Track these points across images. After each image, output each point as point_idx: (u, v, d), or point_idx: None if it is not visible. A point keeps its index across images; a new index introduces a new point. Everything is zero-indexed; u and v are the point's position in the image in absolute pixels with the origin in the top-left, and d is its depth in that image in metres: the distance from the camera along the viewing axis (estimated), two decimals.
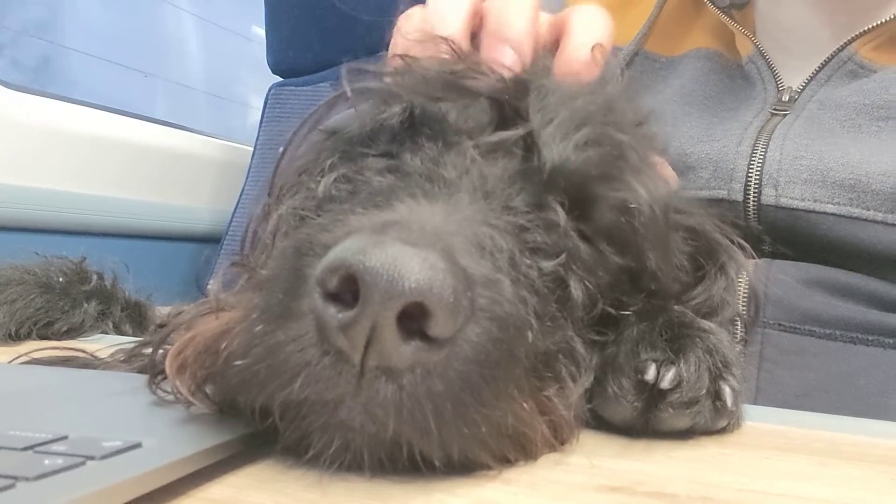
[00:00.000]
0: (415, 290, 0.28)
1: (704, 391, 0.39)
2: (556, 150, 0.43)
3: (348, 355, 0.29)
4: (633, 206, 0.44)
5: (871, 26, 0.71)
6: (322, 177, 0.46)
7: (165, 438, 0.32)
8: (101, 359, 0.51)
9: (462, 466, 0.32)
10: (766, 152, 0.69)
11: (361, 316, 0.29)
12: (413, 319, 0.29)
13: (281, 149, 0.50)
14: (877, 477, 0.36)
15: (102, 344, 0.55)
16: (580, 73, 0.49)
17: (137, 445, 0.30)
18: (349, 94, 0.47)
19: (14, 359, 0.51)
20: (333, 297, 0.29)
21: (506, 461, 0.34)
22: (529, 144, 0.43)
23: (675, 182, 0.54)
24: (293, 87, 1.57)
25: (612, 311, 0.44)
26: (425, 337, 0.29)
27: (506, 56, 0.47)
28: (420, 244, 0.30)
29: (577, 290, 0.42)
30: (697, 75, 0.79)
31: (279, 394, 0.31)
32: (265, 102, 1.60)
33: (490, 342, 0.31)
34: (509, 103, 0.44)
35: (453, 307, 0.29)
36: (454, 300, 0.29)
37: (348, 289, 0.29)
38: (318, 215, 0.41)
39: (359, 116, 0.47)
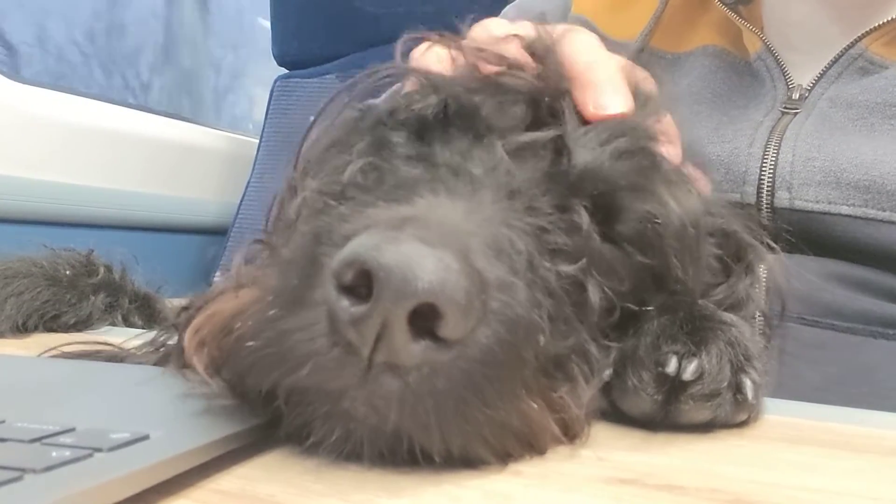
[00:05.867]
0: (427, 291, 0.28)
1: (726, 384, 0.39)
2: (589, 155, 0.43)
3: (357, 348, 0.29)
4: (659, 220, 0.43)
5: (881, 22, 0.70)
6: (350, 160, 0.45)
7: (174, 430, 0.32)
8: (128, 350, 0.51)
9: (466, 461, 0.32)
10: (778, 154, 0.68)
11: (373, 312, 0.28)
12: (425, 319, 0.29)
13: (312, 118, 0.50)
14: (886, 469, 0.36)
15: (112, 336, 0.55)
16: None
17: (145, 437, 0.30)
18: (399, 71, 0.46)
19: (43, 352, 0.51)
20: (347, 289, 0.29)
21: (510, 457, 0.34)
22: (560, 147, 0.43)
23: (708, 190, 0.53)
24: (299, 79, 1.57)
25: (634, 307, 0.43)
26: (435, 337, 0.29)
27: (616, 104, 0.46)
28: (436, 243, 0.30)
29: (594, 296, 0.41)
30: (705, 73, 0.78)
31: (286, 379, 0.31)
32: (271, 94, 1.60)
33: (499, 344, 0.31)
34: (547, 104, 0.44)
35: (465, 310, 0.29)
36: (466, 303, 0.29)
37: (363, 283, 0.29)
38: (341, 202, 0.41)
39: (394, 100, 0.47)
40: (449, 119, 0.44)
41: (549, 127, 0.43)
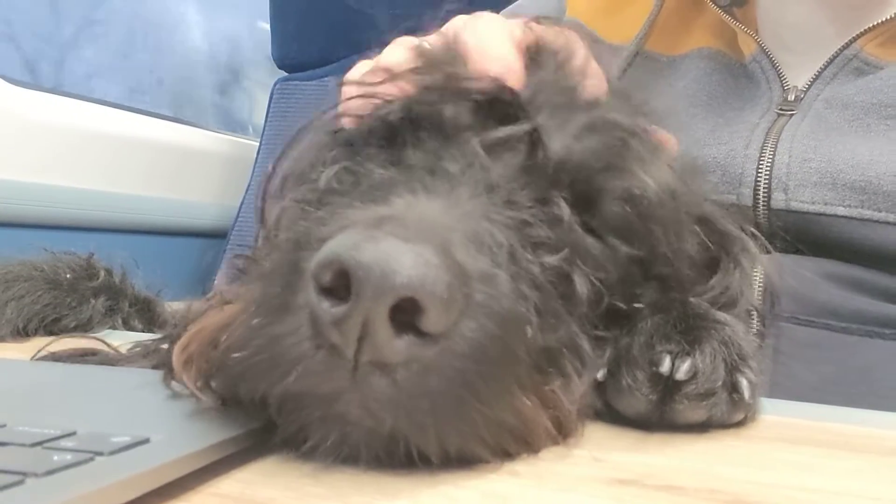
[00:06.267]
0: (406, 286, 0.28)
1: (720, 383, 0.39)
2: (558, 141, 0.43)
3: (341, 349, 0.29)
4: (637, 192, 0.44)
5: (876, 23, 0.70)
6: (324, 168, 0.45)
7: (174, 434, 0.32)
8: (121, 354, 0.51)
9: (463, 460, 0.32)
10: (774, 155, 0.68)
11: (353, 311, 0.29)
12: (406, 314, 0.29)
13: (286, 141, 0.50)
14: (885, 469, 0.36)
15: (112, 339, 0.55)
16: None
17: (146, 441, 0.30)
18: (343, 107, 0.47)
19: (35, 354, 0.51)
20: (328, 291, 0.29)
21: (506, 455, 0.34)
22: (535, 139, 0.43)
23: (675, 146, 0.53)
24: (298, 82, 1.57)
25: (623, 305, 0.44)
26: (419, 332, 0.29)
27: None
28: (414, 239, 0.30)
29: (581, 286, 0.41)
30: (700, 76, 0.79)
31: (276, 386, 0.31)
32: (270, 97, 1.60)
33: (486, 338, 0.31)
34: (511, 101, 0.44)
35: (446, 302, 0.29)
36: (447, 295, 0.29)
37: (342, 284, 0.29)
38: (319, 208, 0.41)
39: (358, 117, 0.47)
40: (417, 123, 0.44)
41: (518, 121, 0.43)
